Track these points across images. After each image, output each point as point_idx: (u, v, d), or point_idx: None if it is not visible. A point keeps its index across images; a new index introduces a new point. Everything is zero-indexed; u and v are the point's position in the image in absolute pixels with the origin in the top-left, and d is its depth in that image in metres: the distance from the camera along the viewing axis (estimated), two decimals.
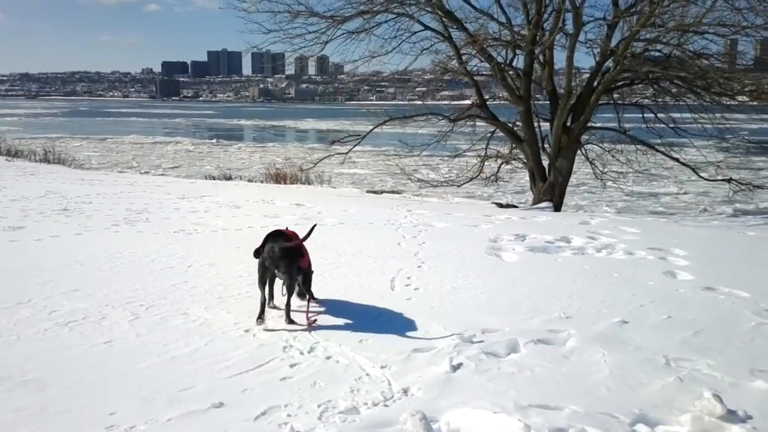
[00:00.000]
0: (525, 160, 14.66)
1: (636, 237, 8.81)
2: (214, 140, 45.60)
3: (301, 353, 4.10)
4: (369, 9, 13.75)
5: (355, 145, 14.17)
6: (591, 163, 15.24)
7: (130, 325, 4.55)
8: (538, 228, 9.39)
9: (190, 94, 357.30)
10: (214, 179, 16.84)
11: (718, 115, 13.42)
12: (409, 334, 4.53)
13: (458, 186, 16.47)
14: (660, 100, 14.58)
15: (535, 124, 14.47)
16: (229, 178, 17.21)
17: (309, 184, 16.17)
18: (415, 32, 14.20)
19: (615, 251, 7.90)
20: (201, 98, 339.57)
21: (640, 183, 20.94)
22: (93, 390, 3.49)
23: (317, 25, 13.80)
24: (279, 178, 16.43)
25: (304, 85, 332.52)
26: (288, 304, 4.63)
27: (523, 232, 8.87)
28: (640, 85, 15.12)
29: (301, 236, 4.88)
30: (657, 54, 13.45)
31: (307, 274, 4.90)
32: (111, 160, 31.51)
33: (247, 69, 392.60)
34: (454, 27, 13.94)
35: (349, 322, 4.74)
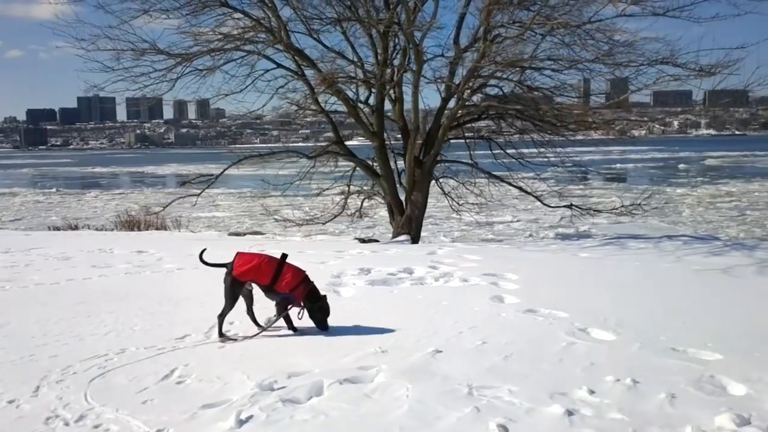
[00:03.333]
0: (384, 195, 14.73)
1: (475, 264, 8.95)
2: (66, 189, 42.56)
3: (66, 424, 3.64)
4: (219, 47, 13.45)
5: (208, 185, 13.69)
6: (446, 195, 15.59)
7: None
8: (386, 261, 9.34)
9: (59, 143, 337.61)
10: (58, 230, 15.67)
11: (559, 149, 14.22)
12: (203, 387, 4.19)
13: (323, 224, 16.33)
14: (507, 132, 15.19)
15: (392, 160, 14.66)
16: (75, 228, 16.09)
17: (165, 229, 15.41)
18: (268, 70, 14.05)
19: (452, 279, 7.96)
20: (71, 146, 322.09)
21: (481, 213, 21.78)
22: None
23: (165, 62, 13.30)
24: (132, 225, 15.55)
25: (184, 130, 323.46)
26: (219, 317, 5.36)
27: (369, 266, 8.78)
28: (487, 121, 15.82)
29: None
30: (498, 90, 14.03)
31: (285, 298, 5.35)
32: None
33: (122, 114, 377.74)
34: (306, 65, 13.91)
35: (142, 380, 4.33)
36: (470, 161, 14.72)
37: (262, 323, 5.52)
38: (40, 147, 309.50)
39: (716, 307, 6.46)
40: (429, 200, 15.08)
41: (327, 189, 16.07)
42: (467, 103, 13.52)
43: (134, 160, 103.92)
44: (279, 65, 14.05)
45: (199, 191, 13.80)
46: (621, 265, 9.09)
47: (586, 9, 11.69)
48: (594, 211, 15.04)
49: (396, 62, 14.09)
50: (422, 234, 19.08)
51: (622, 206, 14.56)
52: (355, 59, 14.24)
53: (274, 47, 13.56)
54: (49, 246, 11.11)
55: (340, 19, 13.33)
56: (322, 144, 15.13)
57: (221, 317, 5.36)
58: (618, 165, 56.01)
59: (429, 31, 12.60)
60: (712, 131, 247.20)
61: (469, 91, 13.12)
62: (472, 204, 15.67)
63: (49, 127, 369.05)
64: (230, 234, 16.17)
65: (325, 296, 5.48)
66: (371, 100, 14.31)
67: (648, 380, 4.29)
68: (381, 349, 4.96)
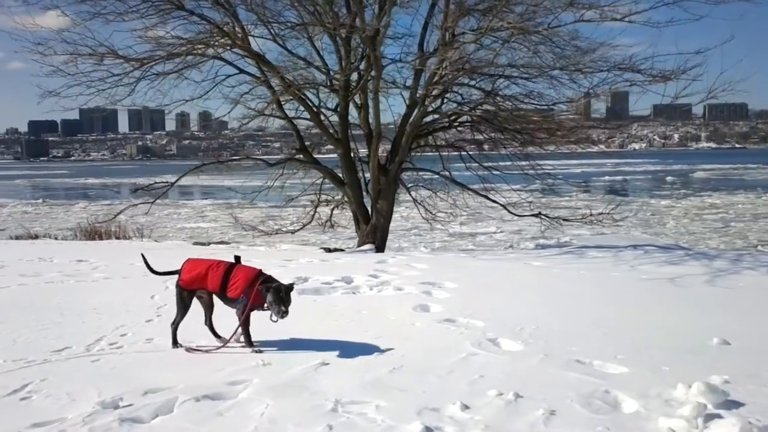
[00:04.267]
0: (349, 204, 14.43)
1: (419, 273, 8.64)
2: (53, 201, 42.13)
3: None
4: (178, 51, 13.17)
5: (164, 192, 13.36)
6: (419, 204, 15.27)
7: None
8: (330, 270, 9.03)
9: (60, 154, 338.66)
10: (18, 239, 15.37)
11: (532, 162, 13.94)
12: (47, 404, 3.86)
13: (292, 233, 16.06)
14: (478, 141, 14.91)
15: (360, 169, 14.39)
16: (35, 237, 15.79)
17: (126, 238, 15.10)
18: (230, 75, 13.77)
19: (386, 288, 7.68)
20: (72, 158, 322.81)
21: (466, 224, 21.48)
22: None
23: (121, 67, 12.98)
24: (93, 234, 15.24)
25: (186, 142, 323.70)
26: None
27: (310, 275, 8.47)
28: (458, 129, 15.57)
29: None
30: (460, 97, 13.76)
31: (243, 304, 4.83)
32: None
33: (123, 126, 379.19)
34: (268, 71, 13.64)
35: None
36: (435, 171, 14.41)
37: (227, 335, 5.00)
38: (42, 158, 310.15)
39: (646, 317, 6.12)
40: (412, 211, 14.80)
41: (296, 197, 15.78)
42: (428, 110, 13.21)
43: (130, 171, 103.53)
44: (241, 71, 13.78)
45: (153, 200, 13.42)
46: (566, 274, 8.76)
47: (546, 15, 11.39)
48: (563, 220, 14.71)
49: (362, 68, 13.86)
50: (403, 244, 18.86)
51: (591, 215, 14.23)
52: (321, 65, 14.02)
53: (233, 51, 13.30)
54: None
55: (300, 24, 13.07)
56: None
57: (173, 326, 5.06)
58: (607, 177, 55.78)
59: (384, 34, 12.28)
60: (712, 144, 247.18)
61: (431, 97, 12.81)
62: (446, 213, 15.40)
63: (51, 139, 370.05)
64: (195, 243, 15.88)
65: (287, 286, 4.81)
66: (336, 106, 14.04)
67: (534, 395, 3.97)
68: (264, 362, 4.63)
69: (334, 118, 14.12)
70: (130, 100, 13.45)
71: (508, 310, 6.41)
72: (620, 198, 32.87)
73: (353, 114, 14.30)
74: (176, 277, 5.08)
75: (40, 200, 42.45)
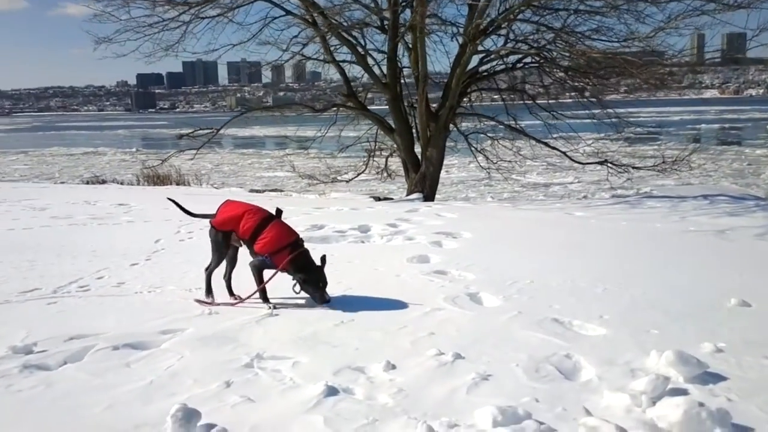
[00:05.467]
0: (399, 151, 13.97)
1: (442, 222, 8.19)
2: (146, 150, 43.85)
3: None
4: None
5: (209, 140, 13.34)
6: (479, 152, 14.56)
7: None
8: (354, 218, 8.70)
9: (166, 106, 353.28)
10: (88, 183, 16.01)
11: (611, 110, 12.85)
12: None
13: (347, 182, 15.80)
14: (542, 85, 13.95)
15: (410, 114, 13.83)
16: (103, 182, 16.38)
17: (185, 185, 15.37)
18: (276, 17, 13.44)
19: (396, 237, 7.29)
20: (177, 109, 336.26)
21: (542, 174, 20.46)
22: None
23: (169, 12, 12.94)
24: (155, 179, 15.63)
25: (281, 93, 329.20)
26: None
27: (327, 223, 8.19)
28: (521, 72, 14.64)
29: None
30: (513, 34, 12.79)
31: (261, 261, 4.52)
32: (36, 171, 30.42)
33: (223, 79, 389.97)
34: (316, 12, 13.20)
35: None
36: (489, 116, 13.62)
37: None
38: (150, 110, 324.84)
39: (663, 273, 5.41)
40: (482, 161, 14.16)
41: (349, 145, 15.46)
42: (479, 49, 12.37)
43: (222, 122, 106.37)
44: (288, 12, 13.40)
45: (199, 146, 13.41)
46: (604, 225, 8.00)
47: None
48: (632, 168, 13.63)
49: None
50: (470, 194, 18.21)
51: (663, 162, 13.08)
52: (371, 3, 13.42)
53: None
54: (41, 198, 11.19)
55: None
56: None
57: (207, 272, 4.69)
58: (704, 125, 51.79)
59: None
60: None
61: (480, 35, 11.96)
62: (510, 162, 14.64)
63: (157, 91, 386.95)
64: (250, 191, 16.00)
65: (319, 267, 4.51)
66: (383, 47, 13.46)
67: (478, 357, 3.52)
68: (211, 311, 4.39)
69: (385, 64, 13.56)
70: (181, 47, 13.44)
71: (510, 262, 5.88)
72: (714, 147, 30.38)
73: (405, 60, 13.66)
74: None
75: (134, 149, 44.38)
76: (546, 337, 3.84)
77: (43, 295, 4.87)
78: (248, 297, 4.53)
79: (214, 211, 4.73)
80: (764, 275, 5.38)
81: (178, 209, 4.99)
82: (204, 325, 4.11)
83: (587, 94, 13.56)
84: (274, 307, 4.45)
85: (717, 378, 3.25)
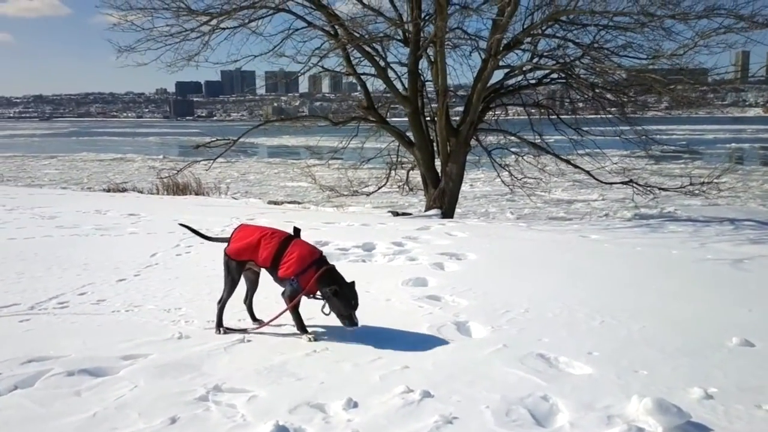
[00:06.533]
0: (418, 166, 13.76)
1: (449, 242, 7.93)
2: (174, 157, 44.18)
3: None
4: (247, 5, 12.92)
5: (226, 150, 13.28)
6: (503, 168, 14.28)
7: None
8: (360, 235, 8.50)
9: (204, 114, 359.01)
10: (109, 191, 16.13)
11: (639, 127, 12.54)
12: None
13: (367, 195, 15.66)
14: (569, 100, 13.67)
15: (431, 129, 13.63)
16: (123, 190, 16.48)
17: (204, 195, 15.37)
18: (298, 29, 13.38)
19: (399, 257, 7.06)
20: (215, 117, 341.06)
21: (567, 191, 20.00)
22: None
23: (191, 23, 12.96)
24: (175, 189, 15.66)
25: (317, 103, 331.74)
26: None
27: (332, 239, 8.01)
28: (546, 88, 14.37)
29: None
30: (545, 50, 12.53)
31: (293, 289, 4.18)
32: (66, 176, 30.90)
33: (261, 88, 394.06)
34: (334, 23, 13.11)
35: None
36: (510, 132, 13.32)
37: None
38: (188, 117, 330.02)
39: (667, 306, 5.07)
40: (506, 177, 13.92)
41: (371, 159, 15.34)
42: (501, 64, 12.12)
43: (259, 133, 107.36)
44: (310, 24, 13.32)
45: (215, 157, 13.41)
46: (616, 250, 7.63)
47: None
48: (658, 189, 13.20)
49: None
50: (490, 209, 17.87)
51: (691, 183, 12.61)
52: (394, 15, 13.29)
53: (297, 2, 12.84)
54: (54, 206, 11.23)
55: None
56: None
57: (219, 305, 4.37)
58: (734, 144, 50.29)
59: None
60: None
61: (501, 50, 11.73)
62: (535, 179, 14.35)
63: (195, 99, 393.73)
64: (269, 202, 15.93)
65: (351, 283, 4.17)
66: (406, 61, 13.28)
67: (448, 396, 3.30)
68: (181, 335, 4.22)
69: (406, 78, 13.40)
70: (203, 57, 13.44)
71: (509, 288, 5.61)
72: (743, 167, 29.41)
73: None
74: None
75: (161, 156, 44.88)
76: (526, 375, 3.58)
77: (18, 311, 4.77)
78: (270, 321, 4.28)
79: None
80: None
81: (193, 234, 4.82)
82: (170, 349, 3.94)
83: (614, 110, 13.19)
84: (315, 338, 4.18)
85: (699, 429, 2.98)
